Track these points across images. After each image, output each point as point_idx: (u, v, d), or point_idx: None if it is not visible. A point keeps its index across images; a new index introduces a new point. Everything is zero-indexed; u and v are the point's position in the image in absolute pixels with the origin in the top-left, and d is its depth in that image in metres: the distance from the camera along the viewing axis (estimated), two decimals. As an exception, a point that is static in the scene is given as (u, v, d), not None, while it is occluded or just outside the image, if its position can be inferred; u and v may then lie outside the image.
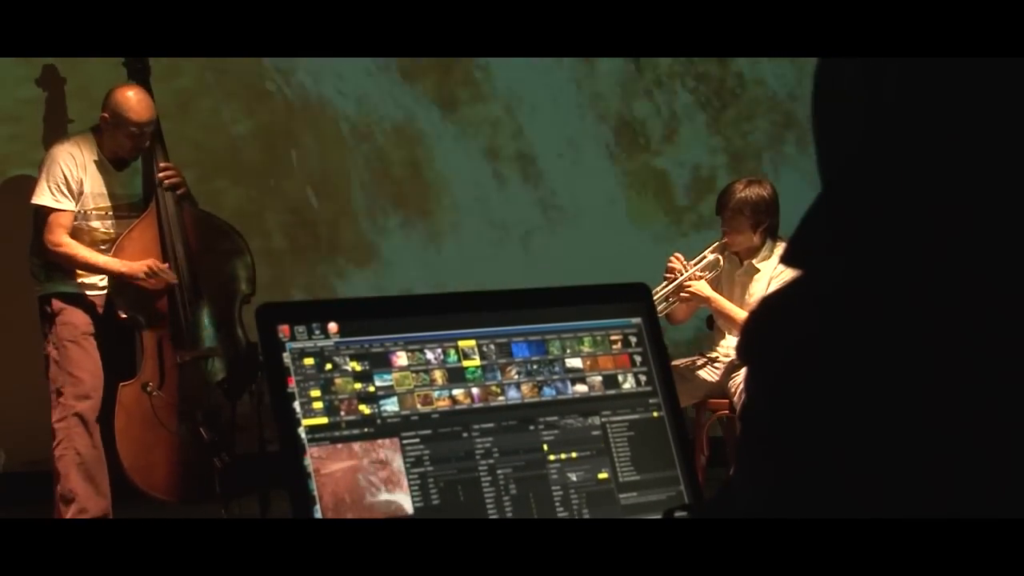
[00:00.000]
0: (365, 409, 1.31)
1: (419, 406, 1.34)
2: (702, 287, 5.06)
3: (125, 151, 5.13)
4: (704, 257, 5.12)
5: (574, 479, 1.40)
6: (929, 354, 0.86)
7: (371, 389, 1.32)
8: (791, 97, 6.70)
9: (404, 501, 1.30)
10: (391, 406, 1.33)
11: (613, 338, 1.47)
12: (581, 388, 1.44)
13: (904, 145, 0.91)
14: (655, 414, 1.47)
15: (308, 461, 1.27)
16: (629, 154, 6.82)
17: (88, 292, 5.13)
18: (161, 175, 5.20)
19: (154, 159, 5.22)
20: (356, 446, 1.29)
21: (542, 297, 1.47)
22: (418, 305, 1.42)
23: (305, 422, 1.28)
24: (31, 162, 5.62)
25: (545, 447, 1.40)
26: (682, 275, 5.06)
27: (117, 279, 5.09)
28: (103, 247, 5.11)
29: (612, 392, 1.45)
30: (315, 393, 1.29)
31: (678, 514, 1.35)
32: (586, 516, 1.39)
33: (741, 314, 4.95)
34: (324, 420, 1.29)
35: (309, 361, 1.30)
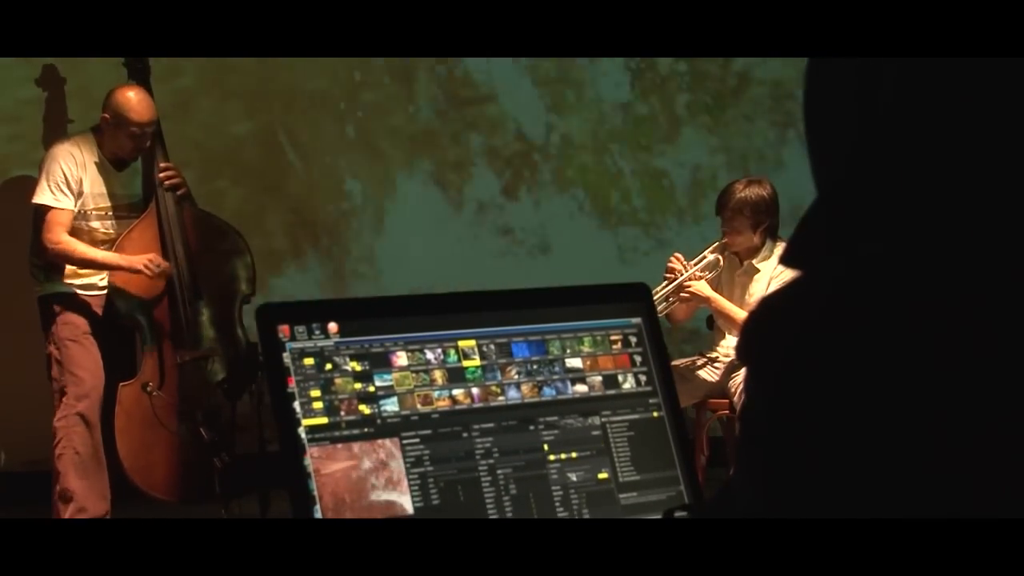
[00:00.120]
0: (365, 409, 1.31)
1: (419, 406, 1.34)
2: (702, 287, 5.06)
3: (126, 151, 5.13)
4: (704, 257, 5.12)
5: (574, 479, 1.40)
6: (929, 354, 0.86)
7: (371, 389, 1.32)
8: (791, 97, 6.69)
9: (404, 501, 1.30)
10: (391, 406, 1.33)
11: (613, 338, 1.47)
12: (581, 388, 1.44)
13: (903, 145, 0.91)
14: (655, 414, 1.47)
15: (308, 461, 1.26)
16: (629, 154, 6.82)
17: (88, 292, 5.13)
18: (161, 175, 5.20)
19: (154, 159, 5.22)
20: (356, 446, 1.29)
21: (542, 297, 1.47)
22: (418, 305, 1.42)
23: (305, 422, 1.28)
24: (31, 162, 5.62)
25: (545, 447, 1.40)
26: (682, 275, 5.06)
27: (117, 274, 5.09)
28: (103, 247, 5.11)
29: (612, 392, 1.45)
30: (315, 393, 1.29)
31: (678, 514, 1.35)
32: (586, 516, 1.39)
33: (741, 314, 4.94)
34: (324, 420, 1.29)
35: (309, 361, 1.30)
